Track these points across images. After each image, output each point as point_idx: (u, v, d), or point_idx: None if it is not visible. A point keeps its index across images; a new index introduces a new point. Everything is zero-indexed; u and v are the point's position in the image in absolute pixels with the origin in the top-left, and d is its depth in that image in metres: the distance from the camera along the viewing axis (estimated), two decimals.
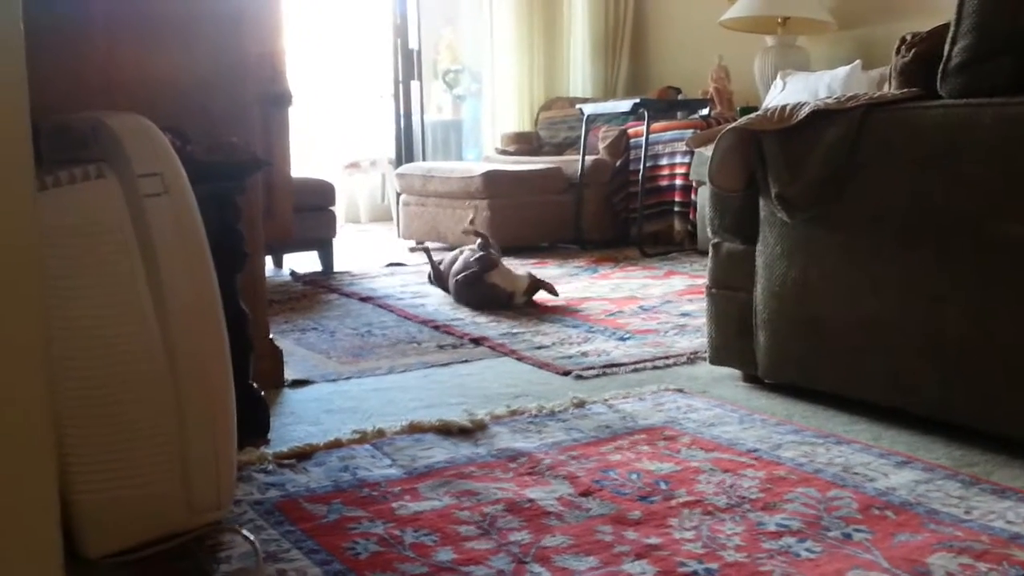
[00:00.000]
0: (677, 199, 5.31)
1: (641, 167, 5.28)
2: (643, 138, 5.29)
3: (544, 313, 3.40)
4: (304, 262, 4.93)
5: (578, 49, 6.97)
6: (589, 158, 5.60)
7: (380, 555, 1.45)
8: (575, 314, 3.39)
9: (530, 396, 2.34)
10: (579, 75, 6.99)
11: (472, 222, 4.30)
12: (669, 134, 5.39)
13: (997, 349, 1.80)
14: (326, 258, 4.75)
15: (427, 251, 4.25)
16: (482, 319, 3.33)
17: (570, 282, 4.16)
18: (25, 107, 0.96)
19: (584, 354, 2.77)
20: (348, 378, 2.57)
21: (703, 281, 2.55)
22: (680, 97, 5.88)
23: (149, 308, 1.41)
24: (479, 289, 3.56)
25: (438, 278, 3.91)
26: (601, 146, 5.74)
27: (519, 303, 3.54)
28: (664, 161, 5.40)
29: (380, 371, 2.64)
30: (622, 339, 2.96)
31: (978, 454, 1.82)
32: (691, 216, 5.17)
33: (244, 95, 2.30)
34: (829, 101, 2.11)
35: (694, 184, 5.08)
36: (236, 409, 1.53)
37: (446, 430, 2.03)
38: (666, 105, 5.64)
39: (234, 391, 1.53)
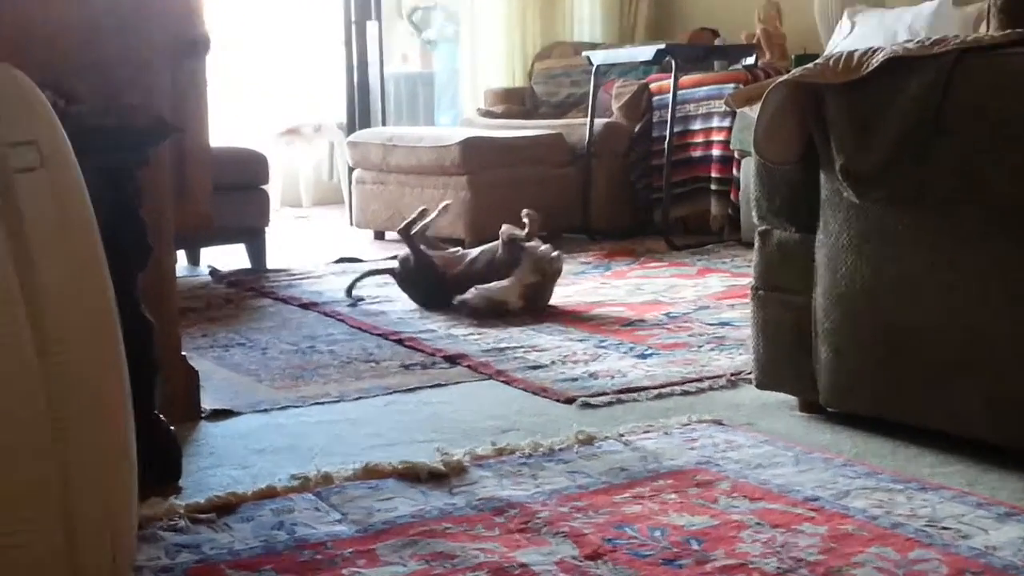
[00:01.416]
0: (714, 175, 5.32)
1: (668, 133, 5.29)
2: (670, 95, 5.30)
3: (541, 321, 3.40)
4: (228, 258, 4.93)
5: None
6: (599, 121, 5.62)
7: None
8: (581, 324, 3.39)
9: (522, 431, 2.34)
10: (586, 14, 7.00)
11: (414, 222, 3.94)
12: (703, 90, 5.40)
13: None
14: (256, 252, 4.75)
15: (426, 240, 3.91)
16: (459, 331, 3.32)
17: (576, 283, 4.16)
18: None
19: (593, 375, 2.77)
20: (284, 408, 2.57)
21: (747, 281, 2.56)
22: (718, 42, 5.89)
23: (20, 316, 1.40)
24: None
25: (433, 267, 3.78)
26: (615, 106, 5.75)
27: (514, 306, 3.56)
28: (697, 125, 5.42)
29: (327, 399, 2.64)
30: (642, 356, 2.97)
31: None
32: (732, 197, 5.19)
33: (148, 41, 2.30)
34: (910, 46, 2.11)
35: (736, 155, 5.09)
36: (137, 449, 1.53)
37: (413, 475, 2.03)
38: (700, 52, 5.66)
39: (134, 425, 1.53)
